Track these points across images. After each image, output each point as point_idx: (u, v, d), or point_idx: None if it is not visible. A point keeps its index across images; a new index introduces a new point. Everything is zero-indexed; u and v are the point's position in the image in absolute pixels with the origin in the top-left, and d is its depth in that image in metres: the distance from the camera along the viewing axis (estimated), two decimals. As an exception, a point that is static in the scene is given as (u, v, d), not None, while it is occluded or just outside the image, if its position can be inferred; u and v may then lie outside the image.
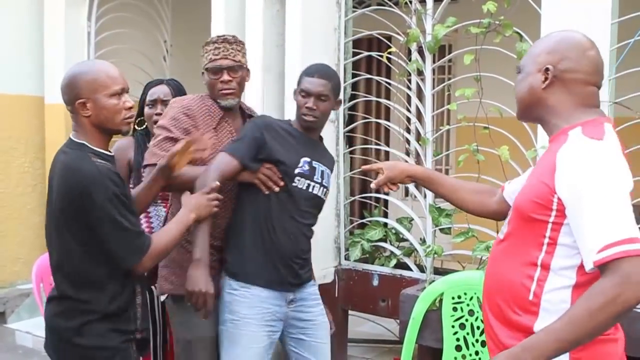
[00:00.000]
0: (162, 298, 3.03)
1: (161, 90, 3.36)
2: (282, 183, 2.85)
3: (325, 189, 3.02)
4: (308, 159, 2.94)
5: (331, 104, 2.98)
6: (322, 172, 3.00)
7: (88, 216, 2.28)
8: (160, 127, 2.90)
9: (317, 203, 3.00)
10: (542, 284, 1.84)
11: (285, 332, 3.01)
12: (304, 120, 2.96)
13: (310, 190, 2.93)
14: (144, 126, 3.38)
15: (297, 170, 2.90)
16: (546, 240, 1.83)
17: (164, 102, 3.27)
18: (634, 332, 2.43)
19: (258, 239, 2.86)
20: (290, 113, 3.96)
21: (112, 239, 2.32)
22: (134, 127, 3.34)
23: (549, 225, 1.82)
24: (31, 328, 5.30)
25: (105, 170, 2.31)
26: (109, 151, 2.46)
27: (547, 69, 1.91)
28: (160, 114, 3.21)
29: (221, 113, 2.97)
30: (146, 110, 3.36)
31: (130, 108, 2.44)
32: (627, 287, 1.61)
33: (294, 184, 2.88)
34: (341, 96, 3.48)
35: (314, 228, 3.05)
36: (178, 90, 3.38)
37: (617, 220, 1.66)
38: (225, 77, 2.93)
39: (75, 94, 2.37)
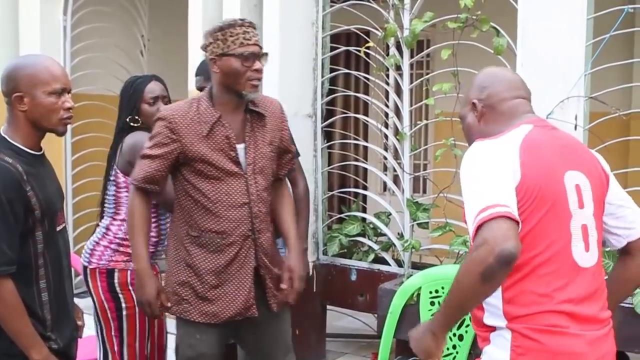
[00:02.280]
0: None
1: (160, 87, 3.25)
2: None
3: None
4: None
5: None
6: None
7: None
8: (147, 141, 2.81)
9: None
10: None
11: None
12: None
13: None
14: (140, 123, 3.20)
15: None
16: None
17: (164, 99, 3.23)
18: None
19: None
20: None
21: None
22: (131, 125, 3.18)
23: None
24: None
25: (1, 170, 2.22)
26: (37, 150, 2.38)
27: (474, 104, 2.11)
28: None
29: (216, 117, 2.73)
30: (147, 107, 3.19)
31: (70, 109, 2.35)
32: (483, 247, 1.68)
33: None
34: None
35: None
36: (165, 86, 3.32)
37: (477, 195, 1.78)
38: (258, 65, 2.71)
39: (13, 86, 2.30)
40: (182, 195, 2.80)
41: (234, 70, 2.69)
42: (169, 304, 2.80)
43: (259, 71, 2.72)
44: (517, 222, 1.72)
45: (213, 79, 2.79)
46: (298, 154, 3.44)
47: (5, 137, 2.33)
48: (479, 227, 1.71)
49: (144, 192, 2.79)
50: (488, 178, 1.81)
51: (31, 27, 5.58)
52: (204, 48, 2.77)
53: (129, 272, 3.11)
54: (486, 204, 1.72)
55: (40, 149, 2.41)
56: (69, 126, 2.47)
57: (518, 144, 1.90)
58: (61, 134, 2.40)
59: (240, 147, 2.76)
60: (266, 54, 2.77)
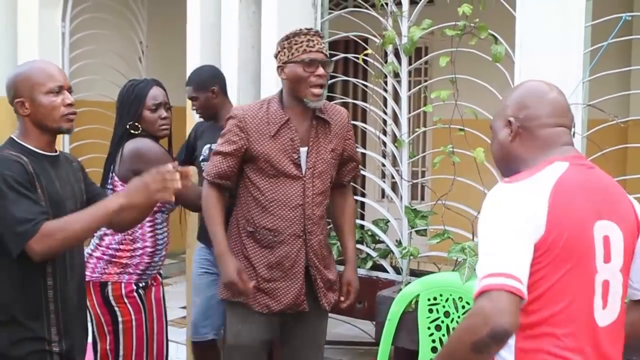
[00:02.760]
0: None
1: (162, 93, 3.24)
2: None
3: None
4: (209, 145, 3.57)
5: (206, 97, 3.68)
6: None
7: None
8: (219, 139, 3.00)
9: None
10: None
11: None
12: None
13: None
14: (140, 130, 3.18)
15: (200, 158, 3.68)
16: None
17: (165, 105, 3.22)
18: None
19: None
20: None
21: None
22: (131, 132, 3.16)
23: None
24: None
25: (3, 158, 2.28)
26: (49, 152, 2.43)
27: (509, 122, 1.94)
28: (166, 118, 3.20)
29: (284, 119, 2.89)
30: (148, 114, 3.18)
31: (70, 105, 2.41)
32: (479, 317, 1.61)
33: (202, 170, 3.37)
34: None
35: None
36: (165, 91, 3.31)
37: (489, 254, 1.68)
38: (321, 70, 2.85)
39: (13, 93, 2.39)
40: (242, 191, 3.00)
41: (297, 76, 2.85)
42: (252, 282, 2.94)
43: (322, 77, 2.86)
44: (522, 298, 1.62)
45: (282, 85, 2.97)
46: None
47: (16, 139, 2.40)
48: (481, 293, 1.63)
49: (217, 187, 2.98)
50: (505, 237, 1.69)
51: (30, 33, 5.59)
52: (275, 56, 2.96)
53: (122, 284, 3.10)
54: (495, 270, 1.63)
55: (55, 152, 2.47)
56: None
57: (549, 189, 1.75)
58: (67, 131, 2.45)
59: (302, 151, 2.92)
60: (331, 62, 2.94)
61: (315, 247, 3.00)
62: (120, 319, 3.10)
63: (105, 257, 3.12)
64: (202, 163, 3.66)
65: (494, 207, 1.75)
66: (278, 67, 2.92)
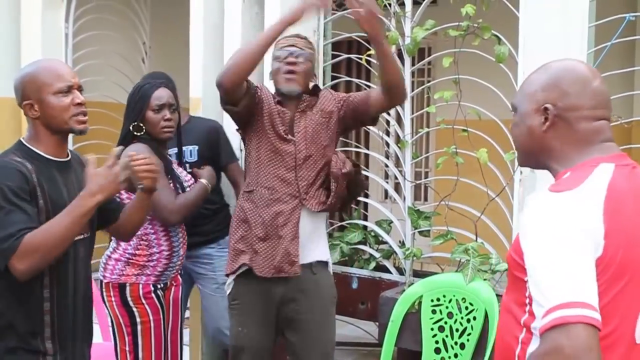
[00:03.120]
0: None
1: (168, 94, 3.22)
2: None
3: (187, 163, 3.70)
4: (175, 149, 3.55)
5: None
6: (191, 150, 3.79)
7: None
8: None
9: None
10: (525, 347, 1.61)
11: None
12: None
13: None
14: (144, 131, 3.17)
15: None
16: (527, 300, 1.59)
17: (170, 107, 3.20)
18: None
19: None
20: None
21: None
22: (134, 133, 3.15)
23: (527, 285, 1.58)
24: None
25: (5, 165, 2.20)
26: (59, 156, 2.36)
27: (546, 109, 1.68)
28: (170, 119, 3.17)
29: (277, 98, 3.12)
30: (151, 115, 3.16)
31: (80, 104, 2.35)
32: (559, 357, 1.39)
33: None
34: None
35: None
36: (174, 91, 3.29)
37: (556, 279, 1.45)
38: (290, 58, 3.08)
39: (20, 95, 2.32)
40: (247, 157, 3.17)
41: (273, 71, 3.14)
42: None
43: (291, 64, 3.06)
44: (600, 329, 1.42)
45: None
46: (236, 159, 3.98)
47: (25, 143, 2.33)
48: (553, 326, 1.40)
49: None
50: (570, 258, 1.46)
51: (33, 34, 5.59)
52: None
53: (140, 285, 3.10)
54: (569, 299, 1.41)
55: (66, 156, 2.40)
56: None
57: (602, 199, 1.54)
58: (80, 132, 2.39)
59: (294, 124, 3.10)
60: (302, 51, 3.10)
61: (313, 209, 3.09)
62: (138, 319, 3.09)
63: (123, 258, 3.12)
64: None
65: (547, 222, 1.52)
66: (269, 72, 3.22)
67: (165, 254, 3.16)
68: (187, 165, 3.70)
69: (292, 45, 3.09)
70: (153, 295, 3.12)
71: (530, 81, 1.76)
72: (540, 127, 1.70)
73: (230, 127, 3.62)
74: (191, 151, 3.85)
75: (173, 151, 3.50)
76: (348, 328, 4.94)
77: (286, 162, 3.06)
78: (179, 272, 3.32)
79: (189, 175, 3.39)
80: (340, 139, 5.20)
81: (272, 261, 3.03)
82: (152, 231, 3.13)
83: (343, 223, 4.31)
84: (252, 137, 3.11)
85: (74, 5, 5.68)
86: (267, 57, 3.17)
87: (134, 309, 3.09)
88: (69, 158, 2.42)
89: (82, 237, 2.39)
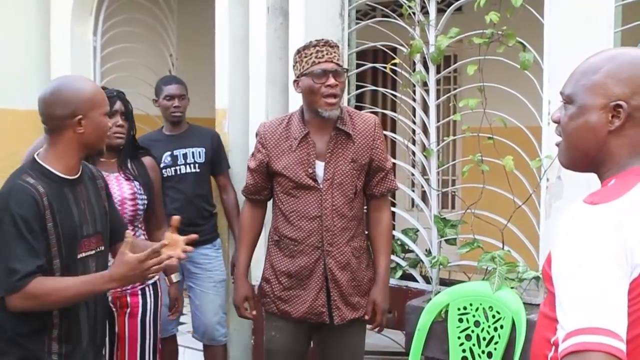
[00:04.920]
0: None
1: (119, 103, 3.31)
2: None
3: (195, 163, 4.17)
4: (169, 152, 4.10)
5: (187, 101, 4.24)
6: (185, 154, 4.11)
7: None
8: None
9: (193, 177, 4.19)
10: None
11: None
12: (172, 116, 4.21)
13: (178, 173, 4.14)
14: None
15: (161, 165, 4.00)
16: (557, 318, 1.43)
17: (124, 114, 3.30)
18: None
19: None
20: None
21: None
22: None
23: None
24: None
25: (19, 189, 2.23)
26: (72, 174, 2.39)
27: (618, 105, 1.45)
28: (121, 126, 3.25)
29: (304, 133, 2.96)
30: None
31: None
32: None
33: (163, 176, 3.81)
34: None
35: None
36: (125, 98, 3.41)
37: (580, 300, 1.32)
38: (332, 80, 2.87)
39: (71, 110, 2.31)
40: (273, 202, 3.13)
41: (309, 89, 2.89)
42: (254, 312, 3.22)
43: (332, 86, 2.87)
44: None
45: (302, 99, 3.01)
46: (228, 166, 4.35)
47: (39, 161, 2.34)
48: (572, 352, 1.28)
49: (252, 202, 3.18)
50: (600, 280, 1.31)
51: (62, 47, 5.68)
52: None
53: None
54: (591, 324, 1.28)
55: (77, 173, 2.42)
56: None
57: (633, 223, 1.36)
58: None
59: (320, 164, 2.94)
60: (344, 70, 2.96)
61: (338, 258, 3.01)
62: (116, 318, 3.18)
63: None
64: (163, 170, 3.97)
65: (576, 238, 1.37)
66: (294, 81, 3.00)
67: None
68: (196, 165, 4.22)
69: (330, 62, 2.88)
70: (139, 290, 3.23)
71: (594, 69, 1.51)
72: (606, 126, 1.47)
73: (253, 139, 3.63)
74: (200, 152, 4.25)
75: (167, 155, 4.12)
76: (375, 337, 4.91)
77: (309, 211, 3.04)
78: (124, 291, 3.22)
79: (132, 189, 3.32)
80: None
81: (296, 311, 3.05)
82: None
83: (369, 232, 4.30)
84: (273, 184, 3.12)
85: (102, 18, 5.77)
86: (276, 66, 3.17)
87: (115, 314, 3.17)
88: (79, 174, 2.44)
89: (93, 252, 2.45)
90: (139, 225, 3.31)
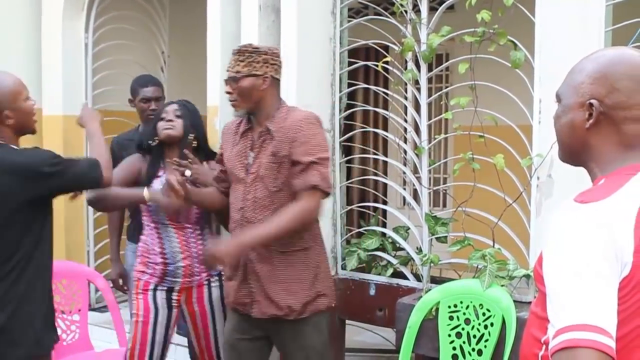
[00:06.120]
0: None
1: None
2: None
3: None
4: None
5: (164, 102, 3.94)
6: None
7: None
8: None
9: None
10: None
11: None
12: (149, 119, 3.93)
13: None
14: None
15: None
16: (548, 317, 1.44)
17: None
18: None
19: None
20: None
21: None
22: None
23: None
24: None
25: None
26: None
27: (591, 104, 1.51)
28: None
29: (245, 128, 3.09)
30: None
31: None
32: None
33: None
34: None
35: None
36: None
37: (568, 297, 1.33)
38: (227, 87, 3.08)
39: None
40: None
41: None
42: None
43: (229, 93, 3.07)
44: (613, 358, 1.29)
45: None
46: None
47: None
48: (562, 348, 1.29)
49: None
50: (589, 278, 1.33)
51: (53, 44, 5.66)
52: None
53: (142, 281, 3.39)
54: (578, 321, 1.29)
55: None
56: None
57: (634, 214, 1.39)
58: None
59: (251, 157, 3.03)
60: (231, 78, 3.03)
61: (258, 251, 2.99)
62: (133, 311, 3.39)
63: (138, 253, 3.48)
64: None
65: (566, 237, 1.39)
66: None
67: (159, 261, 3.36)
68: None
69: (229, 70, 3.03)
70: (150, 293, 3.36)
71: (579, 69, 1.58)
72: (583, 124, 1.53)
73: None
74: None
75: None
76: (366, 334, 4.95)
77: (237, 203, 3.15)
78: (191, 282, 3.42)
79: None
80: (359, 145, 5.24)
81: (229, 301, 3.16)
82: (151, 239, 3.40)
83: (361, 230, 4.32)
84: None
85: (93, 15, 5.76)
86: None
87: (134, 301, 3.40)
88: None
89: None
90: (206, 226, 3.47)
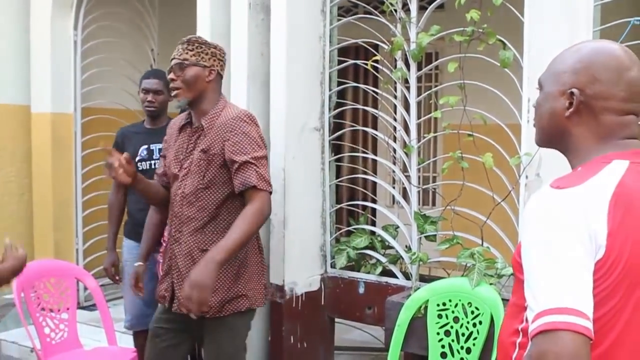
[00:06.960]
0: None
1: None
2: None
3: None
4: (146, 146, 4.02)
5: (166, 97, 3.99)
6: (161, 148, 3.52)
7: None
8: None
9: None
10: (522, 351, 1.51)
11: None
12: (147, 110, 4.07)
13: (153, 167, 3.91)
14: None
15: (137, 159, 3.97)
16: (526, 304, 1.45)
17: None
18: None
19: None
20: (275, 120, 3.97)
21: None
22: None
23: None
24: (17, 338, 5.25)
25: None
26: None
27: (572, 93, 1.55)
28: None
29: (184, 122, 3.15)
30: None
31: None
32: None
33: (138, 169, 3.64)
34: None
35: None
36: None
37: (546, 282, 1.37)
38: (171, 75, 3.05)
39: None
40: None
41: None
42: None
43: (172, 80, 3.04)
44: (591, 339, 1.33)
45: None
46: None
47: None
48: (539, 332, 1.33)
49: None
50: (565, 262, 1.36)
51: (42, 41, 5.65)
52: None
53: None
54: (556, 304, 1.33)
55: None
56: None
57: (608, 198, 1.42)
58: None
59: (185, 153, 3.10)
60: (178, 64, 3.04)
61: (182, 246, 3.03)
62: None
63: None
64: (138, 163, 4.02)
65: (544, 221, 1.42)
66: None
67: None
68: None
69: (174, 58, 3.07)
70: None
71: (561, 59, 1.62)
72: (563, 112, 1.57)
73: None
74: None
75: (144, 149, 4.12)
76: (355, 333, 4.96)
77: (171, 198, 3.22)
78: None
79: None
80: (348, 144, 5.24)
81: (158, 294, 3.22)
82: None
83: (350, 228, 4.32)
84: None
85: (82, 12, 5.74)
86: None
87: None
88: None
89: None
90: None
